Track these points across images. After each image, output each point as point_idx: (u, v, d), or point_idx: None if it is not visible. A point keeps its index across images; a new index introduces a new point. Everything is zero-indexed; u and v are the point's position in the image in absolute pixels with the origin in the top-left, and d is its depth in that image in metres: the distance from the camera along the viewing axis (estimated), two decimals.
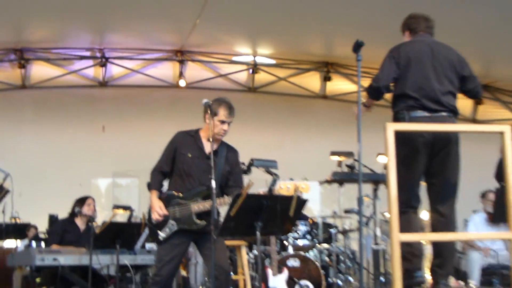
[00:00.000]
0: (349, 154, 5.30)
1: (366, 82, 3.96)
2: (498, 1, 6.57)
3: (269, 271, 4.95)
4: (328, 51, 9.03)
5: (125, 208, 5.84)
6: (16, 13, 7.28)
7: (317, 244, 5.74)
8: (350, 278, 5.67)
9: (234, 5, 7.19)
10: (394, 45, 3.39)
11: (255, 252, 5.45)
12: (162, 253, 3.72)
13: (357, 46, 3.09)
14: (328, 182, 5.20)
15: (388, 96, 3.58)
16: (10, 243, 7.17)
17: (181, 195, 3.74)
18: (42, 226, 6.98)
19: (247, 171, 4.76)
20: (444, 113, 3.32)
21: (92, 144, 8.69)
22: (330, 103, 9.62)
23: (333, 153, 5.52)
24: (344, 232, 6.01)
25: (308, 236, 5.68)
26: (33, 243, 6.25)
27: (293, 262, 5.25)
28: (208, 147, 3.73)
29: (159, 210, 3.65)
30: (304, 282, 5.13)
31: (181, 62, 9.11)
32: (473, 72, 3.51)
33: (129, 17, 7.74)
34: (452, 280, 3.55)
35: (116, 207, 5.55)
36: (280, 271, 4.98)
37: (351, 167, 5.16)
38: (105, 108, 9.09)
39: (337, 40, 8.47)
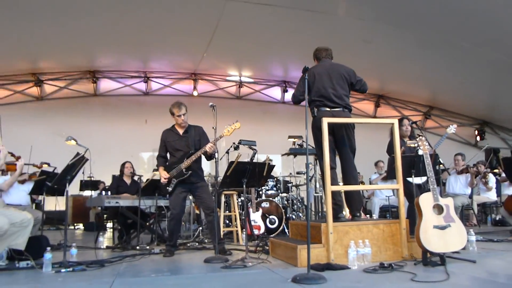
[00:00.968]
0: (299, 137, 5.62)
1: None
2: (396, 37, 7.35)
3: (250, 210, 5.22)
4: (286, 73, 10.69)
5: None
6: (91, 48, 8.70)
7: (280, 193, 5.93)
8: (300, 214, 5.98)
9: (228, 45, 8.45)
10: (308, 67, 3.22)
11: (242, 198, 5.62)
12: (172, 199, 4.06)
13: (304, 70, 3.09)
14: (287, 154, 5.62)
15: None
16: (87, 193, 8.48)
17: (176, 163, 3.97)
18: (108, 182, 7.42)
19: (237, 147, 5.04)
20: (338, 109, 3.49)
21: (139, 131, 9.84)
22: (288, 106, 11.15)
23: (290, 136, 5.77)
24: (296, 186, 6.36)
25: (274, 188, 5.94)
26: (103, 193, 6.78)
27: (265, 204, 5.53)
28: (181, 132, 4.10)
29: (164, 176, 4.01)
30: (272, 216, 5.46)
31: (195, 80, 10.60)
32: (358, 78, 3.66)
33: (163, 51, 9.18)
34: (362, 215, 3.64)
35: (155, 170, 5.48)
36: (257, 209, 5.33)
37: (300, 145, 5.57)
38: (146, 109, 10.33)
39: (291, 66, 10.05)
